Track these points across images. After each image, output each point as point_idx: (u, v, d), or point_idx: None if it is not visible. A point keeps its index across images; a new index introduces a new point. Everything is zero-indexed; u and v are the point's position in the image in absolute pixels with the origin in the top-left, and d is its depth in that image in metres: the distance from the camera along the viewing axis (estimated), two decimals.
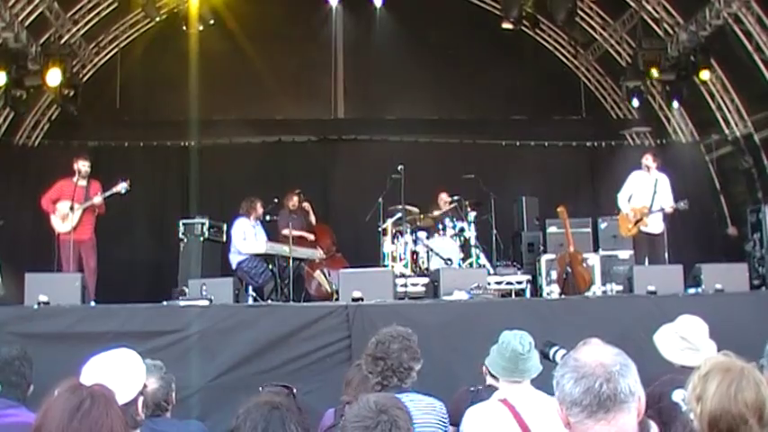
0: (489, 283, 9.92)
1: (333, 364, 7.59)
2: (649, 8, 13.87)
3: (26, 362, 4.05)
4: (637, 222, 10.53)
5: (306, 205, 12.23)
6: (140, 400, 3.17)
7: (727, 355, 2.71)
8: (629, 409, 2.19)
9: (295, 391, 3.90)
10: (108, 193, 10.17)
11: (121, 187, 10.11)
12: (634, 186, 10.67)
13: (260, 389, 4.05)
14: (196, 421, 4.44)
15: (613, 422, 2.17)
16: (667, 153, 15.03)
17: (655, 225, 10.56)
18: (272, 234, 11.49)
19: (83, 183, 10.19)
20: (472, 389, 5.38)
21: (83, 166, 10.18)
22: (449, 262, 11.28)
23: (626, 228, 10.73)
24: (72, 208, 9.91)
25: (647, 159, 10.67)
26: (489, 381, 5.39)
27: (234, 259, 10.97)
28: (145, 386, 3.27)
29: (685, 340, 4.73)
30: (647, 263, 10.40)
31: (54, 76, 12.68)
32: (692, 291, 8.98)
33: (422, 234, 11.75)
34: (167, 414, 4.15)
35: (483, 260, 11.85)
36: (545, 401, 4.22)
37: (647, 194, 10.54)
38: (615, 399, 2.17)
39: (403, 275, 11.13)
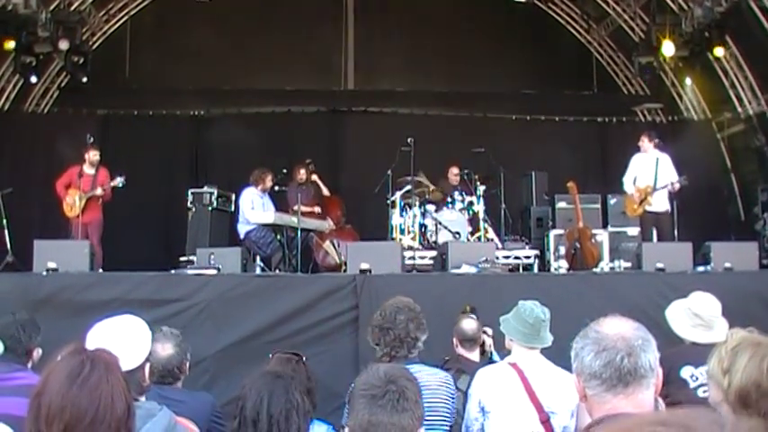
0: (497, 258, 9.92)
1: (340, 335, 7.61)
2: None
3: (25, 327, 4.03)
4: (641, 202, 10.66)
5: (315, 177, 12.22)
6: (147, 366, 3.17)
7: (752, 331, 2.71)
8: (648, 384, 2.17)
9: (305, 358, 3.91)
10: (107, 186, 10.78)
11: (118, 182, 10.78)
12: (636, 168, 10.86)
13: (269, 355, 4.07)
14: (204, 392, 4.44)
15: (632, 397, 2.15)
16: (679, 130, 14.97)
17: (659, 204, 10.67)
18: (281, 206, 11.49)
19: (91, 171, 10.80)
20: (447, 357, 5.46)
21: (93, 156, 10.85)
22: (457, 235, 11.27)
23: (632, 209, 10.89)
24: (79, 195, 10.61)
25: (643, 141, 10.88)
26: (460, 351, 5.43)
27: (242, 229, 10.97)
28: (150, 353, 3.27)
29: (698, 317, 4.71)
30: (654, 242, 10.43)
31: (63, 44, 12.63)
32: (701, 268, 8.95)
33: (430, 207, 11.75)
34: (179, 383, 4.14)
35: (491, 234, 11.84)
36: (553, 370, 4.27)
37: (649, 174, 10.69)
38: (635, 373, 2.14)
39: (411, 248, 11.14)
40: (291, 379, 3.20)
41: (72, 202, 10.64)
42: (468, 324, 5.47)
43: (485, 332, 5.66)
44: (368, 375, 2.58)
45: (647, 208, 10.66)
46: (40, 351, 4.01)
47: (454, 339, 5.53)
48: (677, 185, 10.54)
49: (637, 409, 2.13)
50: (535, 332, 4.31)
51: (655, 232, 10.80)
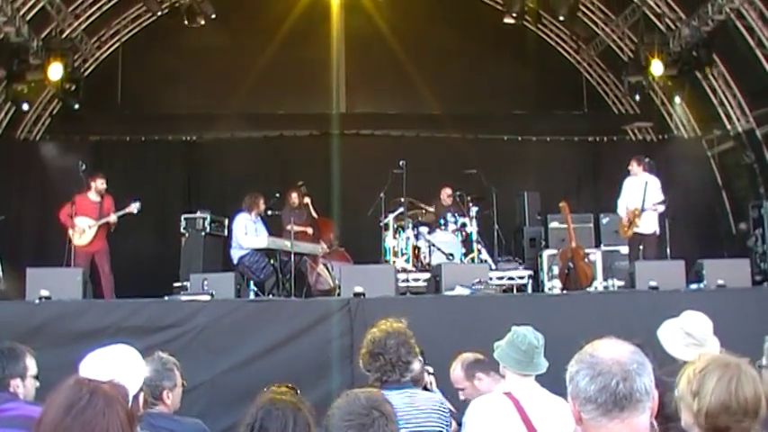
0: (491, 279, 9.92)
1: (335, 359, 7.58)
2: (651, 3, 13.84)
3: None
4: (630, 224, 10.97)
5: (306, 200, 12.24)
6: (141, 396, 3.16)
7: (721, 352, 2.71)
8: (643, 408, 2.16)
9: (299, 391, 3.87)
10: (120, 213, 10.78)
11: (134, 207, 10.80)
12: (627, 192, 11.23)
13: (264, 390, 4.03)
14: (195, 419, 4.39)
15: (627, 421, 2.14)
16: (669, 148, 15.05)
17: (646, 226, 10.95)
18: (275, 230, 11.48)
19: (96, 199, 10.80)
20: None
21: (101, 185, 10.85)
22: (450, 257, 11.28)
23: (623, 230, 11.20)
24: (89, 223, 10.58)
25: (632, 166, 11.24)
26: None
27: (235, 254, 10.95)
28: (144, 382, 3.25)
29: (690, 336, 4.71)
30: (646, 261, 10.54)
31: (55, 71, 12.66)
32: (693, 286, 8.98)
33: (423, 229, 11.76)
34: (162, 408, 4.08)
35: (484, 255, 11.86)
36: (549, 398, 4.24)
37: (638, 197, 10.99)
38: (631, 398, 2.14)
39: (404, 270, 11.14)
40: (307, 413, 3.17)
41: (81, 231, 10.55)
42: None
43: (426, 371, 5.64)
44: (349, 405, 2.55)
45: (636, 230, 10.94)
46: (20, 382, 3.92)
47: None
48: (659, 208, 10.88)
49: None
50: (528, 359, 4.27)
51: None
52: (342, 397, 2.63)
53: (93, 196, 10.80)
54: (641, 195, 10.93)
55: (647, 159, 11.45)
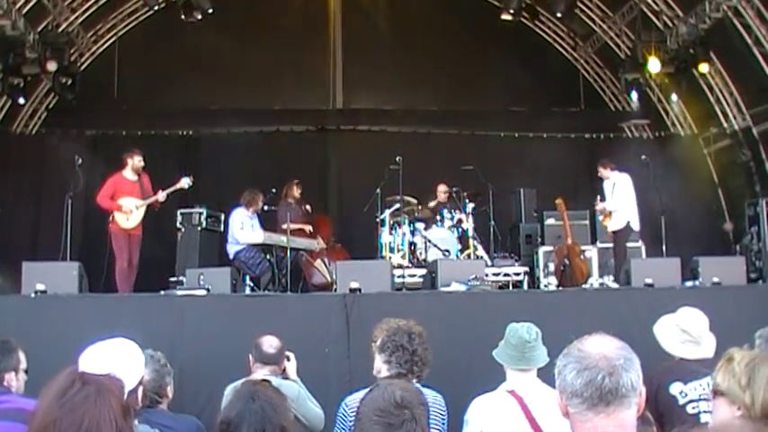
0: (487, 275, 9.91)
1: (330, 354, 7.58)
2: (649, 0, 13.83)
3: None
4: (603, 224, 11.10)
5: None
6: (140, 389, 3.16)
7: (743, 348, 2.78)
8: (629, 403, 2.18)
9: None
10: (171, 189, 10.32)
11: (185, 182, 10.33)
12: (605, 194, 11.19)
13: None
14: (190, 416, 4.41)
15: (613, 416, 2.16)
16: (666, 146, 15.07)
17: (615, 223, 10.88)
18: (270, 225, 11.46)
19: (134, 177, 10.18)
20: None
21: (138, 162, 10.15)
22: (446, 253, 11.28)
23: (606, 231, 11.28)
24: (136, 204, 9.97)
25: (600, 171, 11.20)
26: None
27: (231, 249, 10.95)
28: (143, 377, 3.26)
29: (686, 332, 4.73)
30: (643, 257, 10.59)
31: (51, 65, 12.64)
32: (689, 284, 8.99)
33: (420, 225, 11.77)
34: (162, 406, 4.13)
35: (481, 252, 11.86)
36: (551, 394, 4.24)
37: (608, 198, 11.00)
38: (617, 393, 2.15)
39: (400, 266, 11.13)
40: (279, 405, 3.18)
41: (129, 211, 9.89)
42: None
43: None
44: (383, 400, 2.52)
45: (609, 229, 10.98)
46: (14, 375, 3.93)
47: (250, 357, 5.58)
48: (606, 209, 10.86)
49: (618, 428, 2.15)
50: (519, 354, 4.29)
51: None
52: (379, 389, 2.60)
53: (129, 175, 10.13)
54: (610, 197, 10.92)
55: (643, 157, 11.44)
